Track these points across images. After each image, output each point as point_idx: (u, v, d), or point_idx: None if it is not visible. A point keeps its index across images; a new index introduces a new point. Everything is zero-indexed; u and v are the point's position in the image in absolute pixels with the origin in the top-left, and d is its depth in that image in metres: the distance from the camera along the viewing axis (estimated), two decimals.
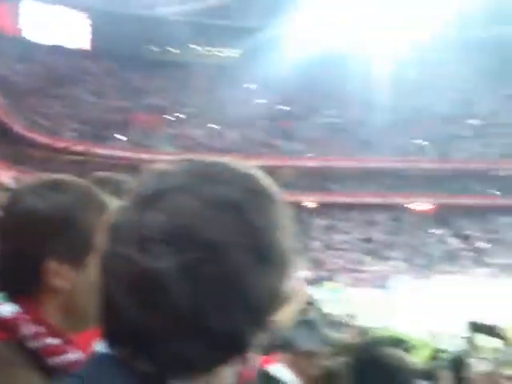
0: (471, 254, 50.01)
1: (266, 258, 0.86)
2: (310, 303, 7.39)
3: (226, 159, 0.95)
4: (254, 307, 0.86)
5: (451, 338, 12.79)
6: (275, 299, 0.88)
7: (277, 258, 0.88)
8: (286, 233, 0.90)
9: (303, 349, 3.01)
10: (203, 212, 0.85)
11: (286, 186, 52.29)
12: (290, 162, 53.04)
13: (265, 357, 3.01)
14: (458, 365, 4.73)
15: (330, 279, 44.95)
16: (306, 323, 3.20)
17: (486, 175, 53.94)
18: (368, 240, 51.75)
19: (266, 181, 0.92)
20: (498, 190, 53.75)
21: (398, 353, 2.65)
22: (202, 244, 0.84)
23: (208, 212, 0.86)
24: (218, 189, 0.88)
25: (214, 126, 56.03)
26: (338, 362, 2.93)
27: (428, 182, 53.32)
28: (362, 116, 56.93)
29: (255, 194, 0.88)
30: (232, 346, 0.87)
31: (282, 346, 3.03)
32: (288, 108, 60.10)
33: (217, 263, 0.83)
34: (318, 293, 35.11)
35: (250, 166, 0.93)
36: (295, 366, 2.98)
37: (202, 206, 0.86)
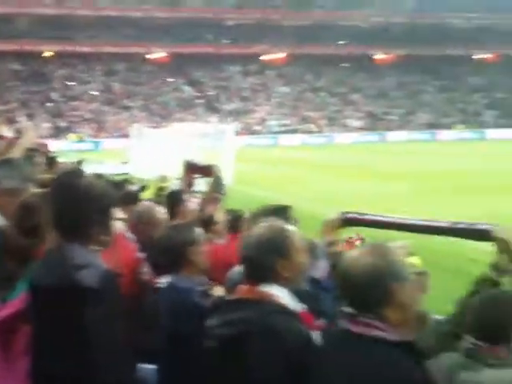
0: (203, 101, 54.11)
1: None
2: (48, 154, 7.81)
3: None
4: None
5: (176, 179, 14.19)
6: None
7: None
8: None
9: (4, 187, 3.00)
10: None
11: (23, 34, 50.84)
12: (26, 10, 51.34)
13: None
14: (173, 200, 5.14)
15: (70, 130, 46.48)
16: (7, 162, 3.26)
17: (217, 25, 57.16)
18: (107, 90, 53.02)
19: None
20: (227, 39, 57.35)
21: (94, 181, 2.61)
22: None
23: None
24: None
25: None
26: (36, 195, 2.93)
27: (162, 31, 54.95)
28: None
29: None
30: None
31: None
32: None
33: None
34: (61, 144, 36.17)
35: None
36: None
37: None
